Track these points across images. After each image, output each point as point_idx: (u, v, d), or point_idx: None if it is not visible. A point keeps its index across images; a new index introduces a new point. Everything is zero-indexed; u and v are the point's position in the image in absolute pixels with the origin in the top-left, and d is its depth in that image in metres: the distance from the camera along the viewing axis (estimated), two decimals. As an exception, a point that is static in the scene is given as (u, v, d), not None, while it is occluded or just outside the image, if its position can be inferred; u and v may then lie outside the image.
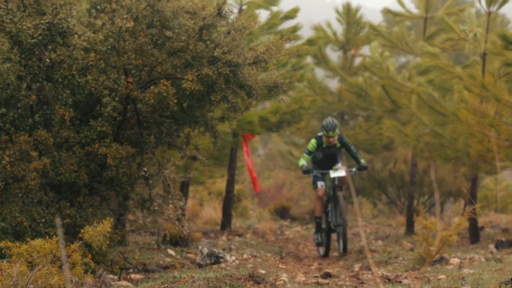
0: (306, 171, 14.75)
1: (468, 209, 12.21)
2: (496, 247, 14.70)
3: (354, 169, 14.92)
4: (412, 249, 14.66)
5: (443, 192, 24.62)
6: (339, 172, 14.52)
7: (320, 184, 14.93)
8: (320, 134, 15.00)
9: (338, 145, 14.96)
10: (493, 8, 15.86)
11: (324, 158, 15.02)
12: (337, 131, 14.63)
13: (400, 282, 9.54)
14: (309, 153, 14.83)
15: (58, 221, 10.57)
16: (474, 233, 16.81)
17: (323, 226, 15.17)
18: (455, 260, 11.49)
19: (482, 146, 14.78)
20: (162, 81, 11.04)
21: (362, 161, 14.95)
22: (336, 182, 14.54)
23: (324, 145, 14.87)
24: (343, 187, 14.62)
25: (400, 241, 16.92)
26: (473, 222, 16.50)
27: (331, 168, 14.99)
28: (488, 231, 18.25)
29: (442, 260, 11.65)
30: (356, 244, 16.11)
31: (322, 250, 15.35)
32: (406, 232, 19.05)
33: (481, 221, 19.52)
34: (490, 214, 24.88)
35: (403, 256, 13.44)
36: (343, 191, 14.63)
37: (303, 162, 14.73)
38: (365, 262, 12.95)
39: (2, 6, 10.79)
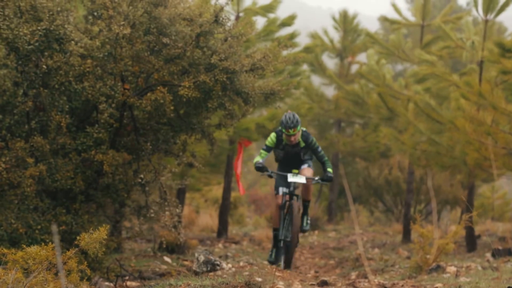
0: (260, 168, 12.12)
1: (465, 217, 12.20)
2: (493, 255, 14.67)
3: (316, 178, 12.36)
4: (408, 257, 14.64)
5: (440, 200, 24.61)
6: (298, 177, 12.16)
7: (281, 190, 12.40)
8: (280, 128, 12.31)
9: (302, 144, 12.42)
10: (490, 16, 15.88)
11: (286, 158, 12.59)
12: (299, 128, 12.05)
13: (397, 290, 9.51)
14: (268, 149, 12.36)
15: (54, 228, 10.53)
16: (471, 242, 16.80)
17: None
18: (451, 269, 11.46)
19: (479, 154, 14.78)
20: (158, 88, 11.03)
21: (329, 170, 12.44)
22: (292, 189, 12.27)
23: (284, 142, 12.36)
24: (299, 196, 12.46)
25: (397, 249, 16.89)
26: (470, 230, 16.49)
27: (296, 168, 12.65)
28: (485, 240, 18.24)
29: (438, 269, 11.62)
30: (353, 252, 16.09)
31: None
32: (402, 240, 19.03)
33: (478, 229, 19.51)
34: (487, 222, 24.86)
35: (400, 264, 13.42)
36: (298, 200, 12.47)
37: (258, 158, 12.23)
38: (361, 270, 12.93)
39: (-1, 12, 10.77)
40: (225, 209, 19.07)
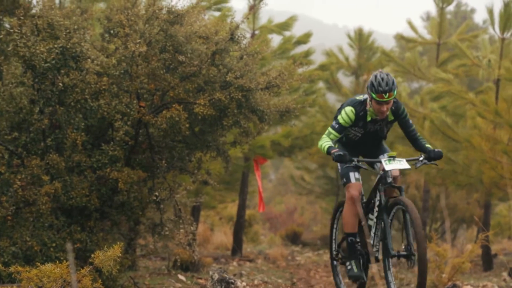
0: (341, 157, 8.76)
1: (481, 236, 12.13)
2: (509, 274, 14.56)
3: (421, 158, 9.03)
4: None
5: (456, 219, 24.45)
6: (397, 163, 8.85)
7: (355, 176, 9.22)
8: (361, 97, 9.17)
9: (391, 117, 9.20)
10: (507, 34, 15.84)
11: (361, 141, 9.35)
12: (396, 92, 8.84)
13: (413, 310, 9.44)
14: (340, 129, 9.06)
15: (69, 245, 10.53)
16: (487, 261, 16.68)
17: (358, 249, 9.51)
18: (468, 288, 11.38)
19: (495, 172, 14.70)
20: (174, 105, 11.03)
21: (429, 146, 9.23)
22: (390, 179, 8.92)
23: (368, 118, 9.10)
24: (403, 190, 8.96)
25: (412, 268, 16.76)
26: (486, 249, 16.38)
27: (374, 156, 9.42)
28: (501, 259, 18.09)
29: (455, 288, 11.53)
30: (368, 270, 15.96)
31: None
32: (418, 259, 18.86)
33: (494, 248, 19.36)
34: (503, 241, 24.69)
35: (415, 283, 13.31)
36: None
37: (328, 142, 8.97)
38: (377, 289, 12.83)
39: (16, 31, 10.83)
40: (240, 226, 19.03)
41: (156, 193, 11.72)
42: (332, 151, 8.79)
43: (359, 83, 24.26)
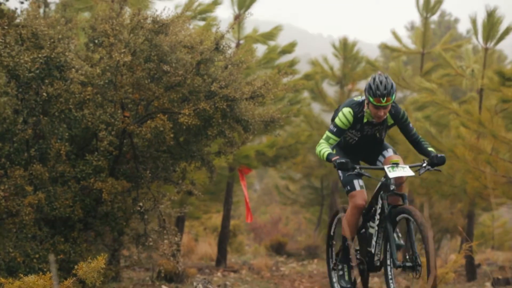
0: (343, 165, 8.31)
1: (465, 246, 12.14)
2: (493, 285, 14.58)
3: (424, 164, 8.54)
4: (408, 287, 14.52)
5: (440, 229, 24.50)
6: (401, 169, 8.43)
7: (359, 183, 8.79)
8: (359, 98, 8.77)
9: (391, 121, 8.77)
10: (490, 44, 15.91)
11: (359, 145, 8.93)
12: (394, 97, 8.42)
13: (398, 320, 9.41)
14: (339, 132, 8.62)
15: (52, 257, 10.46)
16: (470, 271, 16.71)
17: (356, 258, 9.23)
18: (452, 298, 11.39)
19: (479, 182, 14.74)
20: (158, 115, 11.01)
21: (432, 149, 8.71)
22: (393, 187, 8.47)
23: (365, 120, 8.67)
24: (405, 198, 8.57)
25: (396, 278, 16.77)
26: (469, 259, 16.41)
27: (373, 162, 9.07)
28: (484, 269, 18.14)
29: (439, 298, 11.54)
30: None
31: None
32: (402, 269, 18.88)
33: (477, 258, 19.42)
34: (487, 251, 24.77)
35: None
36: (406, 204, 8.57)
37: (327, 149, 8.54)
38: (362, 299, 12.80)
39: (0, 40, 10.78)
40: (224, 237, 18.98)
41: (140, 204, 11.68)
42: (333, 158, 8.36)
43: (344, 93, 24.31)
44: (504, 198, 15.49)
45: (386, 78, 8.32)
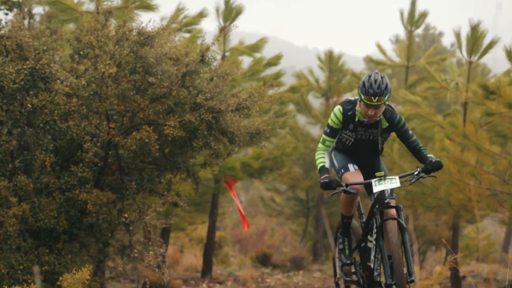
0: (326, 185, 8.14)
1: (450, 259, 12.17)
2: (478, 296, 14.62)
3: (416, 172, 8.21)
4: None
5: (425, 241, 24.55)
6: (387, 182, 8.19)
7: (353, 167, 8.60)
8: (352, 98, 8.55)
9: (385, 124, 8.41)
10: (474, 58, 16.01)
11: (355, 149, 8.62)
12: (387, 98, 8.12)
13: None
14: (332, 133, 8.43)
15: (36, 268, 10.42)
16: (455, 283, 16.74)
17: (352, 272, 9.02)
18: (437, 310, 11.41)
19: (463, 194, 14.80)
20: (144, 127, 11.01)
21: (431, 155, 8.39)
22: (387, 200, 8.26)
23: (356, 119, 8.37)
24: (400, 210, 8.32)
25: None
26: (454, 271, 16.44)
27: (371, 170, 8.66)
28: (469, 281, 18.19)
29: (424, 310, 11.56)
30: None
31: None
32: (387, 281, 18.89)
33: (462, 270, 19.46)
34: (471, 263, 24.82)
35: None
36: (401, 217, 8.32)
37: (322, 160, 8.39)
38: (346, 311, 12.80)
39: (-15, 51, 10.77)
40: (210, 248, 18.96)
41: (126, 215, 11.66)
42: (321, 178, 8.20)
43: (330, 105, 24.37)
44: (488, 210, 15.54)
45: (382, 77, 8.08)
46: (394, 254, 7.97)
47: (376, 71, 8.21)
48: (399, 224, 8.18)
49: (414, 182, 8.24)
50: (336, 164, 8.66)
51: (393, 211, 8.30)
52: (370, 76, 8.07)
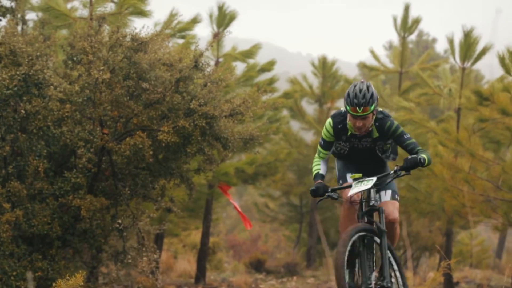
0: (313, 192, 8.10)
1: (443, 264, 12.18)
2: (471, 302, 14.64)
3: (392, 172, 8.04)
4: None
5: (419, 247, 24.57)
6: (364, 184, 7.92)
7: (350, 179, 8.35)
8: (343, 110, 8.19)
9: (376, 134, 8.13)
10: (467, 64, 16.05)
11: (353, 157, 8.37)
12: (374, 108, 7.83)
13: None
14: (326, 145, 8.29)
15: (29, 274, 10.40)
16: (449, 288, 16.76)
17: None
18: (430, 316, 11.41)
19: (457, 201, 14.82)
20: (138, 132, 11.01)
21: (423, 155, 7.92)
22: (372, 202, 8.02)
23: (349, 133, 8.16)
24: (382, 212, 8.10)
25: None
26: (448, 277, 16.46)
27: (373, 174, 8.19)
28: (463, 287, 18.21)
29: (417, 316, 11.56)
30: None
31: None
32: (381, 287, 18.90)
33: (456, 276, 19.49)
34: (465, 269, 24.84)
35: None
36: (382, 220, 8.06)
37: (317, 167, 8.32)
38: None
39: (-22, 57, 10.76)
40: (204, 254, 18.94)
41: (119, 221, 11.64)
42: (315, 176, 8.21)
43: (323, 111, 24.40)
44: (481, 216, 15.57)
45: (367, 87, 7.80)
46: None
47: (362, 80, 7.99)
48: (377, 227, 7.93)
49: (391, 181, 8.10)
50: (337, 173, 8.58)
51: (376, 214, 8.09)
52: (355, 86, 7.85)
